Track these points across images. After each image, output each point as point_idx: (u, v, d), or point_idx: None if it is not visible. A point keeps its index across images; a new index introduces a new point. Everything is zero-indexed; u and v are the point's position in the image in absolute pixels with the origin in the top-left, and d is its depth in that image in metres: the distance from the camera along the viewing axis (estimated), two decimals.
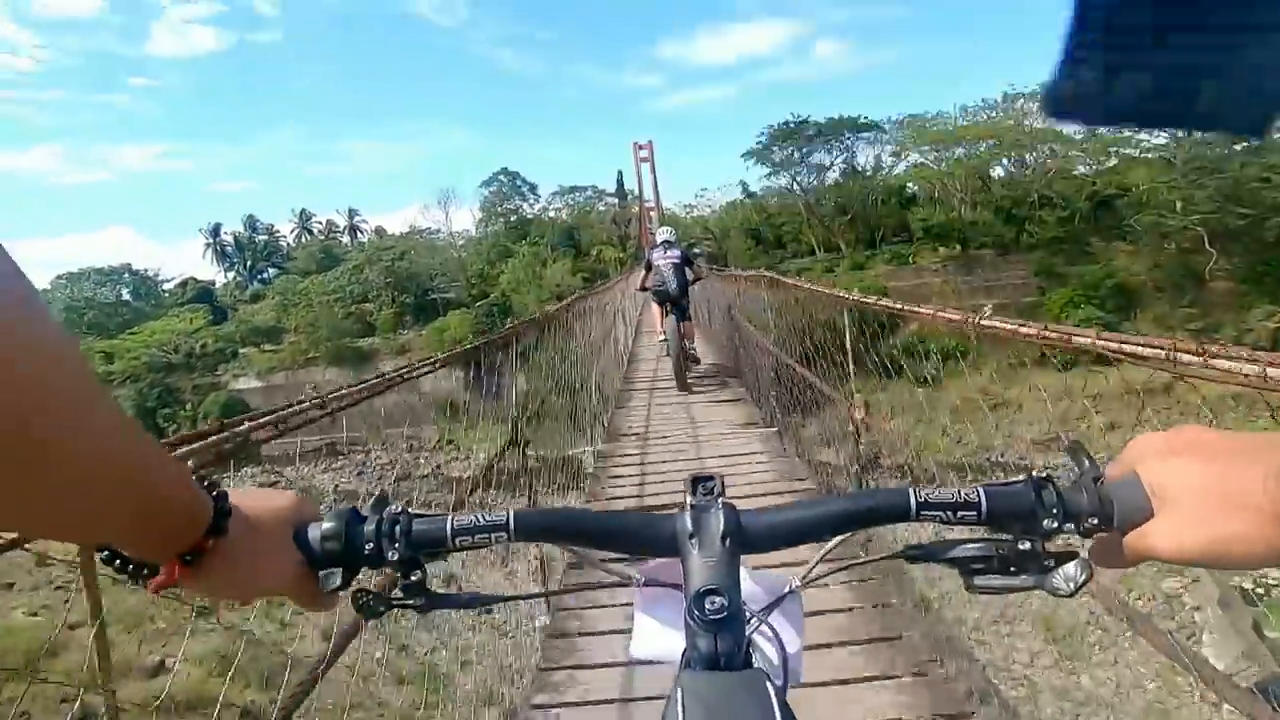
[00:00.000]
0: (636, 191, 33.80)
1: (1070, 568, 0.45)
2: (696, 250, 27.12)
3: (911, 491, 0.48)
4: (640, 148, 31.84)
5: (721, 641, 0.47)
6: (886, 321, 4.36)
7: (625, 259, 26.94)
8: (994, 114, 25.51)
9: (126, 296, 39.40)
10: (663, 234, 7.23)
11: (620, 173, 37.49)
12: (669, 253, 6.87)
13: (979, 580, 0.48)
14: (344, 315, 32.53)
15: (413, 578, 0.50)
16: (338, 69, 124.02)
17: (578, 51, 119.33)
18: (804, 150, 29.91)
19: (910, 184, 29.98)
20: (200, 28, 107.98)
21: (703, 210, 35.98)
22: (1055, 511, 0.45)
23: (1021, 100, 24.55)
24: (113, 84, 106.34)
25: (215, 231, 45.58)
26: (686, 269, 6.86)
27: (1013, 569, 0.47)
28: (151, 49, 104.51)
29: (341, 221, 50.67)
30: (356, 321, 32.64)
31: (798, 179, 31.06)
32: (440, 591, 0.52)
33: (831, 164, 30.72)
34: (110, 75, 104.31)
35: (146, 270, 41.27)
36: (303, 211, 49.99)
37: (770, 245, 30.34)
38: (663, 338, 7.17)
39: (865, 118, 28.00)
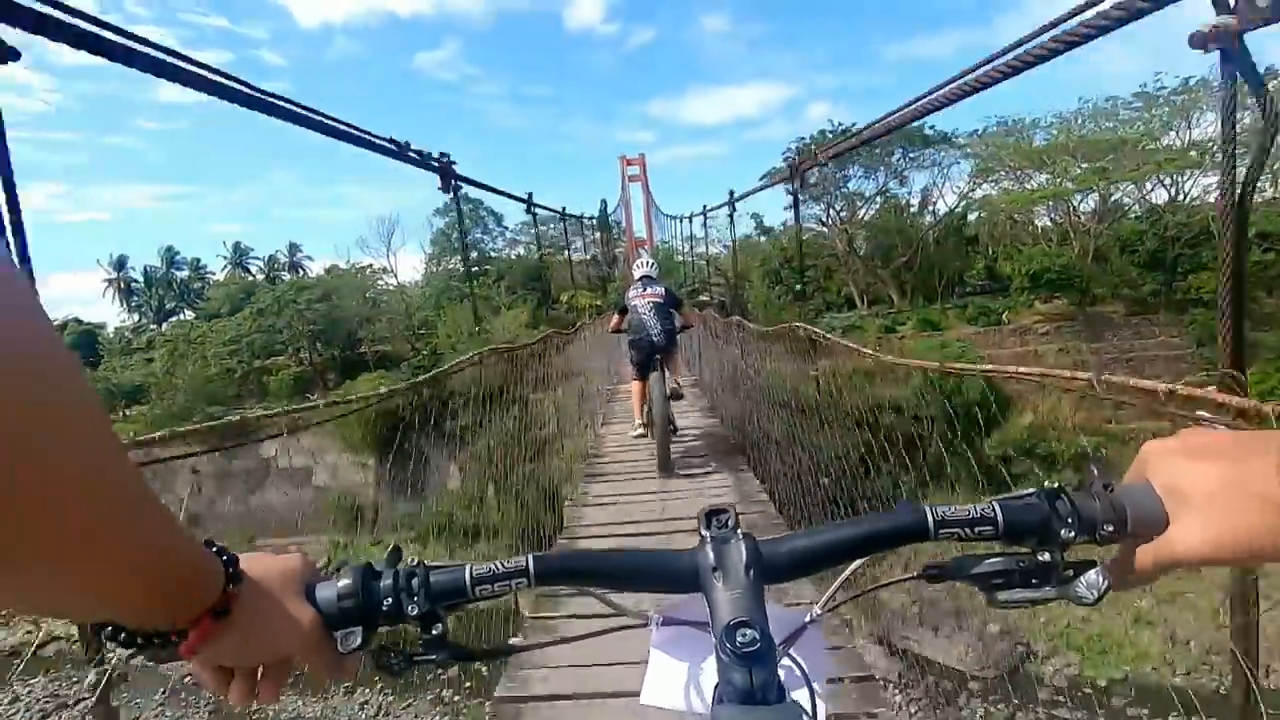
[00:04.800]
0: (623, 221, 26.28)
1: (1091, 575, 0.45)
2: (704, 297, 19.82)
3: (929, 510, 0.48)
4: (629, 163, 24.01)
5: (756, 675, 0.45)
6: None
7: (604, 306, 19.07)
8: (1114, 123, 18.58)
9: None
10: (642, 266, 5.56)
11: (604, 201, 29.55)
12: (650, 290, 5.25)
13: (1001, 595, 0.48)
14: (246, 370, 24.90)
15: (434, 631, 0.49)
16: (340, 117, 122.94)
17: (572, 107, 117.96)
18: (841, 173, 23.00)
19: (973, 215, 22.95)
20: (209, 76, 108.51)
21: (711, 245, 28.50)
22: (1070, 521, 0.45)
23: (1158, 106, 17.62)
24: (120, 127, 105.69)
25: (120, 264, 37.59)
26: (674, 312, 5.24)
27: (1034, 581, 0.47)
28: (161, 95, 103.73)
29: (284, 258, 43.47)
30: (256, 381, 24.92)
31: (832, 209, 24.00)
32: (462, 645, 0.50)
33: (879, 191, 23.68)
34: (118, 119, 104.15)
35: None
36: (237, 245, 42.57)
37: (794, 293, 23.03)
38: (639, 431, 5.48)
39: (932, 127, 21.06)
